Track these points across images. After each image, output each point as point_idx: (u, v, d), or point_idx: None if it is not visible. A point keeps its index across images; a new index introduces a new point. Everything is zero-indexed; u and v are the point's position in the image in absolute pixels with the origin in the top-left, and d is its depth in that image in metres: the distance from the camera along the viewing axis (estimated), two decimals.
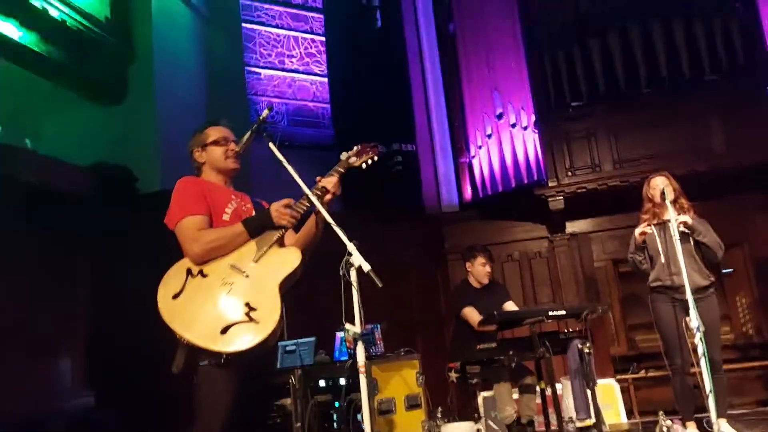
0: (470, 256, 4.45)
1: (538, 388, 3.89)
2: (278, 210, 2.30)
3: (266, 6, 7.53)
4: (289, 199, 2.34)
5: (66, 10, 4.99)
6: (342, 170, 2.45)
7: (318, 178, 2.42)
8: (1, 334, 3.93)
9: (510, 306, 4.39)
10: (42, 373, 4.33)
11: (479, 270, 4.39)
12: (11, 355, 3.96)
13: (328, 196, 2.39)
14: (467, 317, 4.19)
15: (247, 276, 2.23)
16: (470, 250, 4.49)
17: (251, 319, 2.13)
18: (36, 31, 4.83)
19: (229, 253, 2.27)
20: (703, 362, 3.14)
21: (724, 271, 6.32)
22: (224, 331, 2.10)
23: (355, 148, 2.50)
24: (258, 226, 2.29)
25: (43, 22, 4.83)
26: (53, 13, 4.89)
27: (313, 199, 2.32)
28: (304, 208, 2.36)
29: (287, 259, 2.29)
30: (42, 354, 4.32)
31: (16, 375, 3.97)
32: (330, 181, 2.40)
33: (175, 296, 2.16)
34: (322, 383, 3.73)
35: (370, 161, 2.49)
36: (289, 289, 2.30)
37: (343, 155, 2.50)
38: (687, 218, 3.73)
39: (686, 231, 3.72)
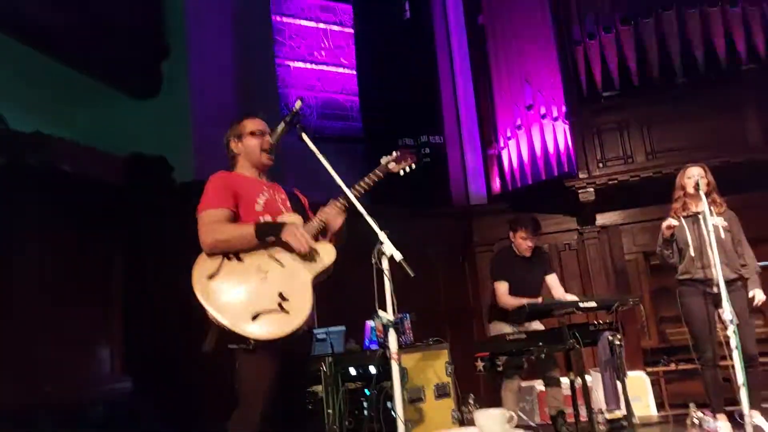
0: (513, 228, 4.36)
1: (567, 380, 3.89)
2: (292, 231, 2.30)
3: None
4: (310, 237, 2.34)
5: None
6: (381, 174, 2.50)
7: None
8: (41, 322, 4.07)
9: (552, 280, 4.35)
10: (81, 360, 4.46)
11: (519, 243, 4.32)
12: (50, 343, 4.09)
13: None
14: (497, 291, 4.23)
15: (283, 266, 2.28)
16: (515, 221, 4.40)
17: (282, 309, 2.19)
18: (73, 26, 4.97)
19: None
20: (736, 355, 3.10)
21: (759, 264, 6.18)
22: (255, 317, 2.16)
23: (394, 153, 2.55)
24: (267, 234, 2.31)
25: (80, 16, 4.97)
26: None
27: (347, 191, 2.37)
28: (341, 206, 2.42)
29: (323, 255, 2.36)
30: (80, 341, 4.45)
31: (57, 362, 4.10)
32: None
33: (210, 277, 2.22)
34: (352, 371, 3.78)
35: (408, 168, 2.54)
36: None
37: (383, 160, 2.55)
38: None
39: (718, 225, 3.68)
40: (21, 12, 4.62)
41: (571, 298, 4.04)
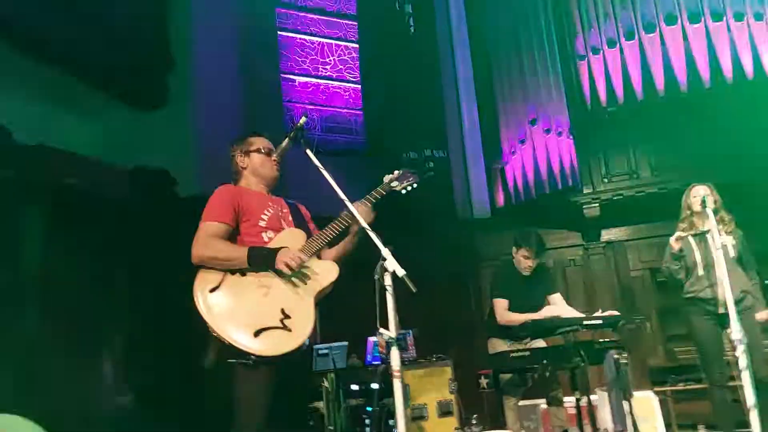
0: (517, 245, 4.18)
1: (572, 399, 3.84)
2: (283, 257, 2.28)
3: (301, 14, 7.64)
4: (301, 258, 2.32)
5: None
6: (384, 192, 2.53)
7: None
8: (43, 335, 4.05)
9: (555, 299, 4.18)
10: (84, 374, 4.44)
11: (519, 261, 4.16)
12: (53, 356, 4.07)
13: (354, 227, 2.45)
14: (495, 308, 4.08)
15: (285, 282, 2.27)
16: (519, 238, 4.20)
17: (285, 327, 2.18)
18: (78, 38, 5.00)
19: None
20: (746, 375, 3.05)
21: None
22: (257, 333, 2.15)
23: (396, 172, 2.58)
24: (259, 262, 2.28)
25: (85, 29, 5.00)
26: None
27: (350, 206, 2.35)
28: (345, 224, 2.42)
29: (325, 273, 2.36)
30: (83, 355, 4.43)
31: (60, 376, 4.08)
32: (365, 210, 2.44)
33: (212, 290, 2.21)
34: (354, 387, 3.74)
35: (410, 187, 2.57)
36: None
37: (386, 178, 2.58)
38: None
39: (727, 243, 3.64)
40: (25, 24, 4.65)
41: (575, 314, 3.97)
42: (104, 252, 4.65)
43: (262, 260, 2.27)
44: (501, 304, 4.09)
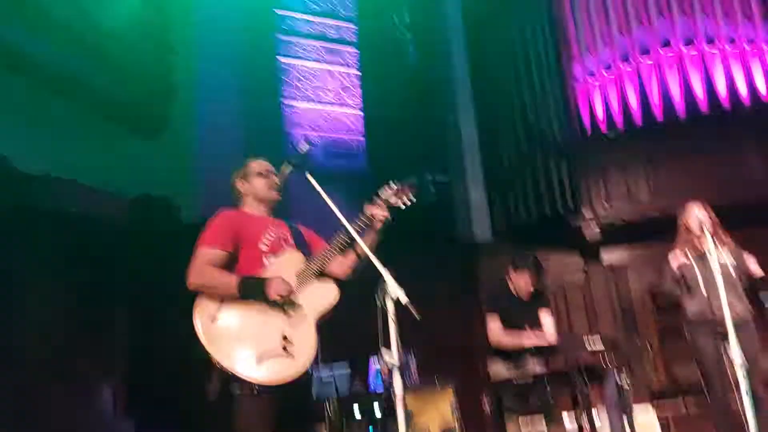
0: (516, 266, 4.03)
1: (573, 420, 3.82)
2: (274, 288, 2.27)
3: (303, 41, 7.75)
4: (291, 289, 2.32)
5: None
6: (366, 221, 2.49)
7: (367, 206, 2.50)
8: (45, 362, 4.05)
9: (544, 315, 4.08)
10: (84, 401, 4.42)
11: (519, 284, 4.02)
12: (55, 384, 4.06)
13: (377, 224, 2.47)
14: (488, 326, 3.98)
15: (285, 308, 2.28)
16: (519, 260, 4.05)
17: (287, 353, 2.18)
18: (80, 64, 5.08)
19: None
20: (746, 399, 3.04)
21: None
22: (260, 361, 2.15)
23: (393, 185, 2.54)
24: (249, 292, 2.27)
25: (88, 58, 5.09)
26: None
27: (351, 230, 2.38)
28: (342, 242, 2.42)
29: (325, 295, 2.36)
30: (84, 382, 4.42)
31: (61, 403, 4.06)
32: (380, 213, 2.47)
33: (213, 319, 2.22)
34: (357, 414, 3.73)
35: (407, 200, 2.53)
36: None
37: (382, 194, 2.55)
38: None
39: (726, 263, 3.66)
40: (28, 54, 4.73)
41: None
42: (107, 280, 4.66)
43: (251, 291, 2.25)
44: (493, 324, 3.98)
